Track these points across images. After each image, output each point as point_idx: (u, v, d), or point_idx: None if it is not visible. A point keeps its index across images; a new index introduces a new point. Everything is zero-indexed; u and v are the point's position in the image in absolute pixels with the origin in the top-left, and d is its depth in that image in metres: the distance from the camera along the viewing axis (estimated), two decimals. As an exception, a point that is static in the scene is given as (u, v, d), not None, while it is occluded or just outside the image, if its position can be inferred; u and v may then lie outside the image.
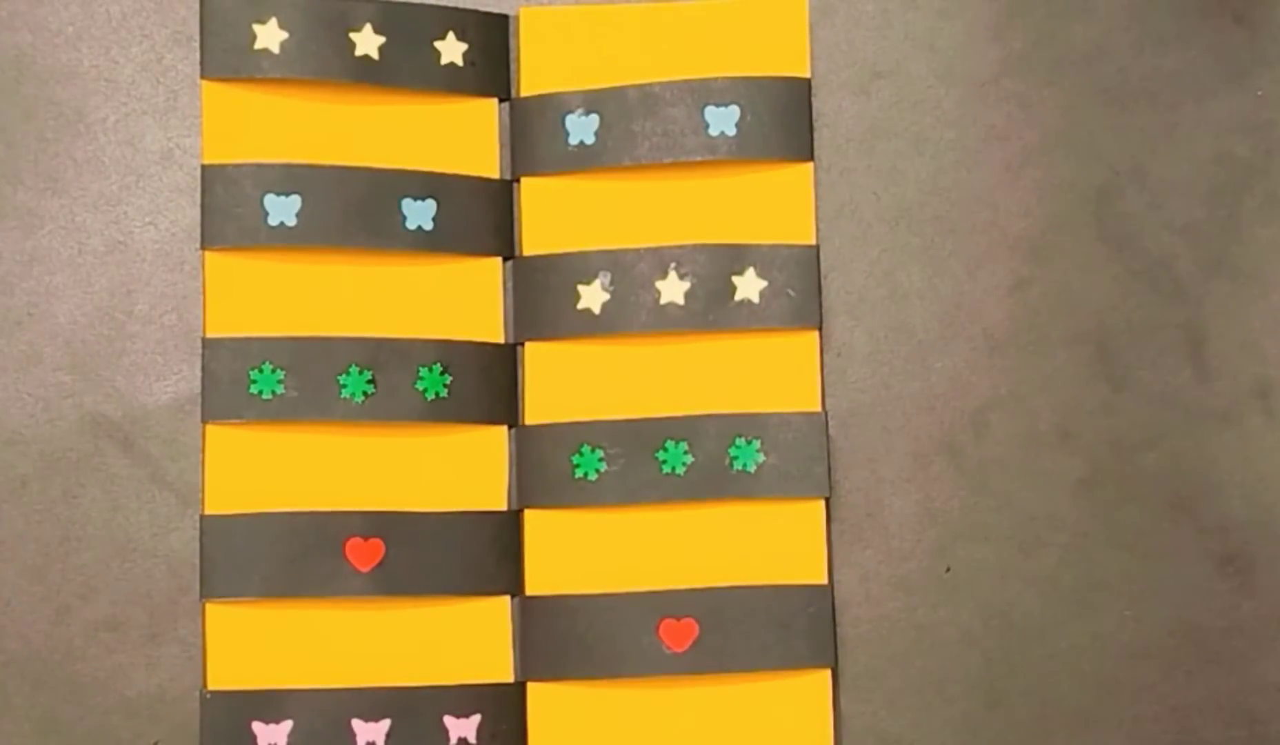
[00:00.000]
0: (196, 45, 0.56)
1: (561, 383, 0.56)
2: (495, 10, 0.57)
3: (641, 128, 0.56)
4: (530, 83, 0.57)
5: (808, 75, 0.57)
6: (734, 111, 0.56)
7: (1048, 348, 0.56)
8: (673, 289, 0.56)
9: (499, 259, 0.56)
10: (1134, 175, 0.57)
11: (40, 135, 0.56)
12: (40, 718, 0.54)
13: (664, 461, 0.55)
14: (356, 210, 0.55)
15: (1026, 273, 0.57)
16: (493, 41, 0.57)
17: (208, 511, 0.54)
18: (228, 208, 0.55)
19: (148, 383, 0.55)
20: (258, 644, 0.54)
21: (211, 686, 0.54)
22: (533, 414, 0.56)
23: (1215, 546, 0.56)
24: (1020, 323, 0.56)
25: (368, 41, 0.56)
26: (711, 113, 0.56)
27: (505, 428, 0.56)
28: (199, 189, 0.55)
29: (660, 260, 0.56)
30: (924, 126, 0.57)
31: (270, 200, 0.55)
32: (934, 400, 0.56)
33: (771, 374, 0.56)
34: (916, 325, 0.56)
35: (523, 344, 0.56)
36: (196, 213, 0.55)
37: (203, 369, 0.55)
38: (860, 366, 0.56)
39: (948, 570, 0.56)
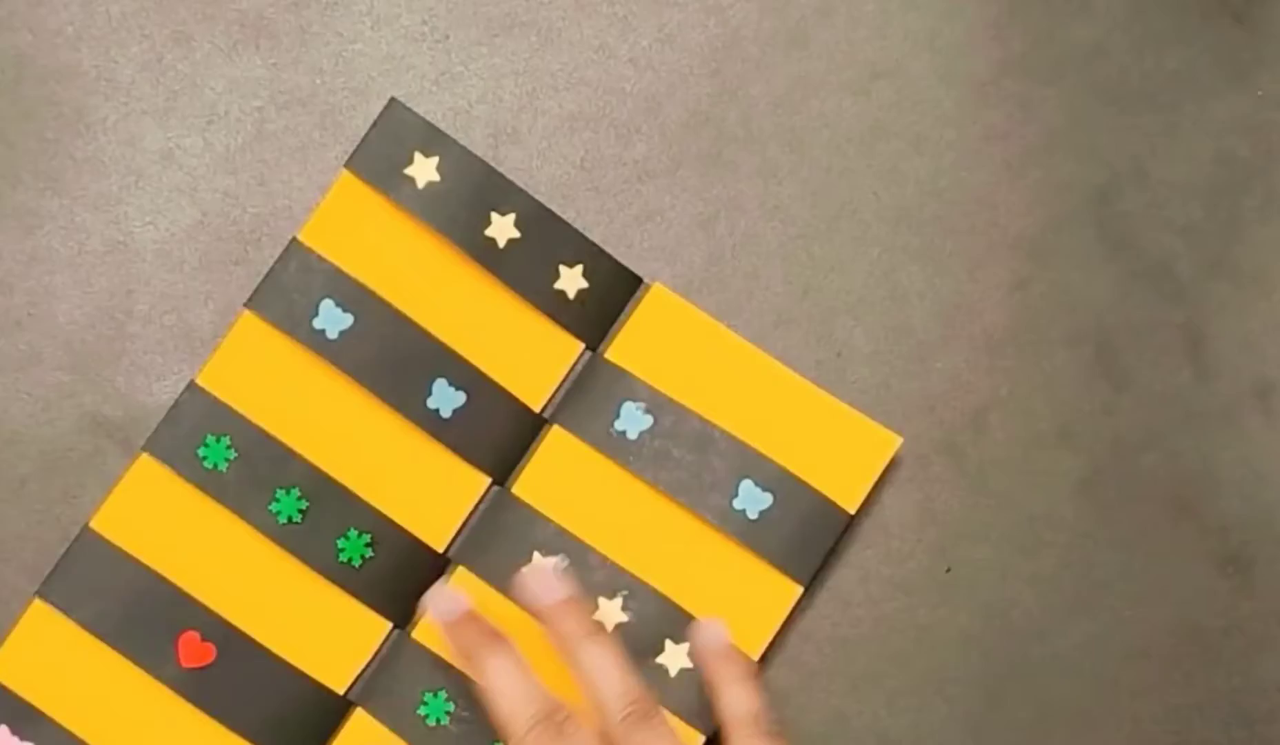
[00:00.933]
0: (196, 44, 0.56)
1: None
2: (634, 269, 0.56)
3: (681, 457, 0.54)
4: (619, 351, 0.55)
5: (852, 512, 0.55)
6: (767, 500, 0.54)
7: (1048, 348, 0.56)
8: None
9: (487, 478, 0.55)
10: (1134, 175, 0.57)
11: (40, 135, 0.55)
12: (40, 718, 0.54)
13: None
14: (391, 365, 0.54)
15: (1026, 273, 0.57)
16: (612, 295, 0.56)
17: (93, 526, 0.53)
18: (289, 288, 0.54)
19: (148, 383, 0.55)
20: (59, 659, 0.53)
21: None
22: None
23: (1215, 546, 0.56)
24: (1020, 323, 0.56)
25: (502, 228, 0.55)
26: (746, 487, 0.54)
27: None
28: (199, 189, 0.55)
29: (613, 585, 0.54)
30: (924, 126, 0.57)
31: (326, 305, 0.54)
32: (934, 400, 0.56)
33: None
34: (916, 325, 0.56)
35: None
36: (196, 213, 0.55)
37: (171, 407, 0.54)
38: (860, 366, 0.56)
39: (948, 570, 0.56)
